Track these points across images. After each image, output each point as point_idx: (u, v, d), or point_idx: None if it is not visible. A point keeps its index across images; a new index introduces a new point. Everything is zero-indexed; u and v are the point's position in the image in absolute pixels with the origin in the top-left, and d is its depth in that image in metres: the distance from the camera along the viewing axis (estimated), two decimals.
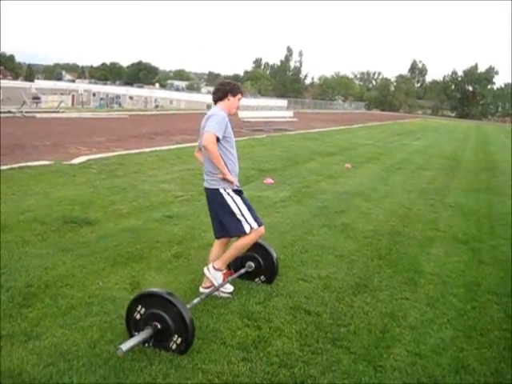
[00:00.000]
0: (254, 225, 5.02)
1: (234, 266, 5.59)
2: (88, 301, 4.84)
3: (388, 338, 4.59)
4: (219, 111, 4.98)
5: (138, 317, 4.07)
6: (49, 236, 6.68)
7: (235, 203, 4.99)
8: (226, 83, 5.16)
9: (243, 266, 5.52)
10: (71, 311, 4.62)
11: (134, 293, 4.71)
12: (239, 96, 5.09)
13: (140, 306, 4.06)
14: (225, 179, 4.93)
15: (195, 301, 4.62)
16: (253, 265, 5.50)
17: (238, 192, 5.09)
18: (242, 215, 4.98)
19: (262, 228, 5.15)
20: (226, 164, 4.94)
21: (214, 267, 5.05)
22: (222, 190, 4.97)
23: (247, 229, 4.99)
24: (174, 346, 3.97)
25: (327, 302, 5.25)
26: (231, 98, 5.04)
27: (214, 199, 5.05)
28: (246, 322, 4.62)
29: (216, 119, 4.87)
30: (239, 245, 5.07)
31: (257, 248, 5.53)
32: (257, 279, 5.53)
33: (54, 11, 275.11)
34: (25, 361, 3.77)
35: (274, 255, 5.55)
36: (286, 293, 5.37)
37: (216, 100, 5.10)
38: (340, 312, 5.03)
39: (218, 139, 4.82)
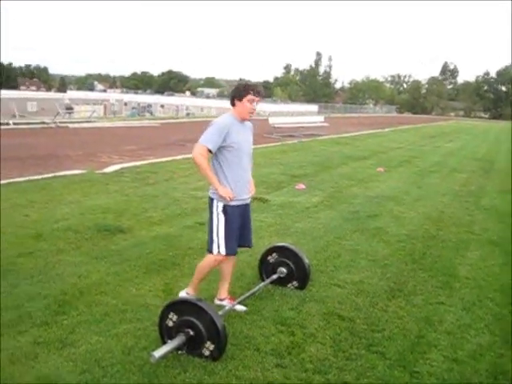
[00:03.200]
0: (222, 250, 4.73)
1: (266, 271, 5.59)
2: (122, 308, 4.87)
3: (424, 343, 4.52)
4: (220, 118, 4.78)
5: (171, 324, 4.08)
6: (82, 244, 6.77)
7: (217, 221, 4.72)
8: (233, 89, 4.90)
9: (275, 272, 5.51)
10: (105, 318, 4.66)
11: (168, 300, 4.73)
12: (248, 97, 4.69)
13: (172, 313, 4.07)
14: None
15: (227, 307, 4.62)
16: (285, 270, 5.48)
17: (234, 208, 4.74)
18: (217, 235, 4.75)
19: (230, 258, 4.91)
20: (226, 176, 4.70)
21: (187, 293, 5.06)
22: (214, 202, 4.73)
23: (214, 250, 4.76)
24: (206, 353, 3.96)
25: (361, 307, 5.20)
26: (237, 103, 4.73)
27: (208, 207, 4.83)
28: (280, 328, 4.60)
29: (211, 129, 4.64)
30: (199, 266, 4.98)
31: (288, 253, 5.52)
32: (289, 285, 5.50)
33: (85, 23, 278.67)
34: (60, 368, 3.82)
35: (306, 260, 5.52)
36: (320, 298, 5.33)
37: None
38: (374, 317, 4.98)
39: (210, 150, 4.62)
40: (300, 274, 5.48)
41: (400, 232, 8.20)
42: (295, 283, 5.49)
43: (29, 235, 7.00)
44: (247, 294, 5.03)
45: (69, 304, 4.91)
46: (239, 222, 4.81)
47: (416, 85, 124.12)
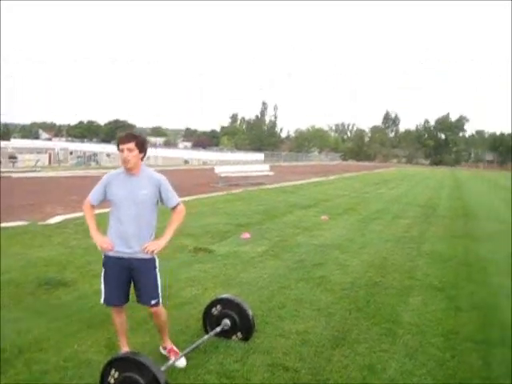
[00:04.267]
0: (101, 300, 4.85)
1: (210, 324, 5.56)
2: (63, 365, 4.77)
3: None
4: (108, 173, 4.84)
5: (112, 381, 4.00)
6: (23, 299, 6.60)
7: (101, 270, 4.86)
8: None
9: (219, 324, 5.48)
10: (45, 377, 4.55)
11: (110, 355, 4.63)
12: (119, 147, 4.59)
13: (114, 370, 4.01)
14: None
15: (170, 362, 4.56)
16: (228, 322, 5.46)
17: (113, 259, 4.75)
18: (100, 285, 4.88)
19: (119, 310, 4.92)
20: (109, 227, 4.75)
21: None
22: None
23: (102, 300, 4.87)
24: None
25: (305, 357, 5.22)
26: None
27: None
28: (224, 381, 4.57)
29: (98, 183, 4.79)
30: None
31: (232, 305, 5.52)
32: (234, 337, 5.48)
33: (29, 70, 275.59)
34: None
35: (250, 312, 5.52)
36: (264, 349, 5.32)
37: None
38: (319, 367, 5.00)
39: (93, 203, 4.79)
40: (244, 326, 5.47)
41: (344, 280, 8.29)
42: (240, 335, 5.47)
43: None
44: (191, 347, 4.98)
45: (7, 362, 4.77)
46: (121, 275, 4.76)
47: (360, 133, 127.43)
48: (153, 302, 4.76)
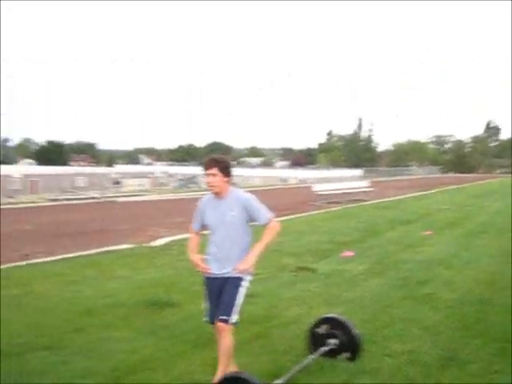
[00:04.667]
0: (205, 318, 5.01)
1: (315, 343, 5.53)
2: None
3: None
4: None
5: None
6: (132, 319, 6.85)
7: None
8: None
9: (324, 344, 5.44)
10: None
11: (214, 374, 4.71)
12: (205, 172, 4.79)
13: None
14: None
15: (278, 382, 4.57)
16: (334, 342, 5.41)
17: (210, 280, 4.91)
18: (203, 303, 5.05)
19: (215, 327, 4.88)
20: (207, 249, 4.92)
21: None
22: None
23: (204, 318, 5.06)
24: None
25: (413, 378, 5.07)
26: None
27: None
28: None
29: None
30: None
31: (337, 324, 5.47)
32: (339, 356, 5.42)
33: (29, 70, 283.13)
34: None
35: (356, 331, 5.45)
36: (371, 370, 5.23)
37: None
38: None
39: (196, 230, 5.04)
40: (350, 346, 5.40)
41: (451, 297, 8.02)
42: (346, 355, 5.40)
43: (80, 311, 7.14)
44: (296, 368, 4.97)
45: (119, 381, 4.95)
46: (212, 295, 4.89)
47: (459, 144, 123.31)
48: (221, 317, 4.73)
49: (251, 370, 4.93)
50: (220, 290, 4.83)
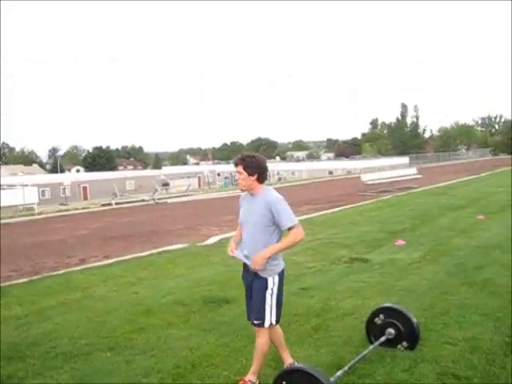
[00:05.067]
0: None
1: (374, 333, 5.53)
2: (234, 379, 4.95)
3: None
4: None
5: None
6: (191, 317, 6.96)
7: None
8: None
9: (383, 334, 5.44)
10: None
11: (278, 368, 4.76)
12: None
13: (285, 383, 4.12)
14: None
15: (339, 373, 4.60)
16: (393, 331, 5.40)
17: (244, 274, 5.06)
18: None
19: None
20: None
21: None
22: None
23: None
24: None
25: (477, 364, 5.01)
26: None
27: None
28: None
29: None
30: None
31: (395, 314, 5.46)
32: (399, 346, 5.40)
33: (29, 70, 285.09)
34: None
35: (414, 320, 5.42)
36: (432, 358, 5.19)
37: None
38: (492, 375, 4.78)
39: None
40: (409, 335, 5.38)
41: (510, 282, 7.87)
42: (405, 344, 5.39)
43: (139, 311, 7.30)
44: (357, 359, 4.98)
45: (182, 377, 5.05)
46: (246, 290, 5.04)
47: (509, 125, 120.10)
48: (255, 321, 4.75)
49: (312, 363, 4.97)
50: (250, 287, 4.89)
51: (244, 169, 4.69)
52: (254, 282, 4.80)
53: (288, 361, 5.02)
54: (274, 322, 4.76)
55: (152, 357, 5.63)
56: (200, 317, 6.97)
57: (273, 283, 4.75)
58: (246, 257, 4.77)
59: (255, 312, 4.76)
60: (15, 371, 5.40)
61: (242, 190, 4.86)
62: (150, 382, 5.00)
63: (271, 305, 4.74)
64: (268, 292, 4.73)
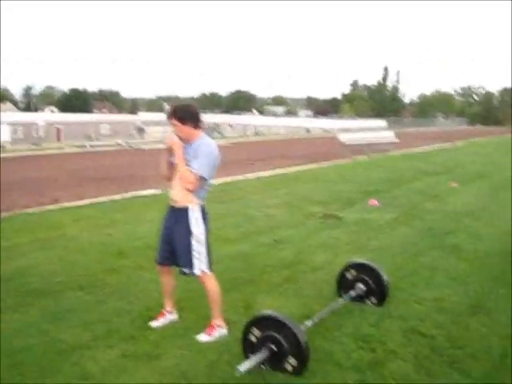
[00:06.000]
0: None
1: (344, 288, 5.61)
2: (203, 324, 4.98)
3: (510, 362, 4.42)
4: None
5: (253, 339, 4.17)
6: None
7: None
8: None
9: (353, 288, 5.52)
10: (188, 333, 4.80)
11: (248, 316, 4.81)
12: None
13: (255, 329, 4.16)
14: None
15: (308, 323, 4.67)
16: (363, 287, 5.49)
17: (166, 216, 5.09)
18: None
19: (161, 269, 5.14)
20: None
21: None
22: None
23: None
24: (289, 368, 4.02)
25: (442, 324, 5.14)
26: None
27: None
28: (360, 345, 4.61)
29: None
30: None
31: (366, 270, 5.54)
32: (368, 301, 5.50)
33: (29, 70, 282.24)
34: (148, 380, 3.97)
35: (385, 277, 5.51)
36: (399, 315, 5.30)
37: None
38: (456, 335, 4.90)
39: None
40: (378, 291, 5.47)
41: (478, 248, 8.01)
42: (374, 300, 5.48)
43: (112, 252, 7.30)
44: (326, 311, 5.06)
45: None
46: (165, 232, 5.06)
47: (488, 96, 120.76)
48: (185, 269, 4.86)
49: (282, 312, 5.02)
50: (169, 230, 4.93)
51: (177, 119, 4.70)
52: (176, 225, 4.85)
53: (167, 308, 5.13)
54: (206, 270, 4.84)
55: (123, 298, 5.66)
56: None
57: (198, 227, 4.83)
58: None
59: (185, 262, 4.85)
60: None
61: (183, 142, 4.77)
62: (121, 322, 5.02)
63: (201, 250, 4.84)
64: (193, 238, 4.81)
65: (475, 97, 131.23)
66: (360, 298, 5.51)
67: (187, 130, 4.74)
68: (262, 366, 4.07)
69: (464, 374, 4.18)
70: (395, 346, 4.61)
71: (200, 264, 4.81)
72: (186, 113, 4.76)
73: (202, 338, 4.74)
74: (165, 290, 5.20)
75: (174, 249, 4.91)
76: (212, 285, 4.87)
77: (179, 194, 4.77)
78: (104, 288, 5.93)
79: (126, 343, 4.58)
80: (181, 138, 4.76)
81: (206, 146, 4.76)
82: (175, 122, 4.71)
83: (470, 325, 5.15)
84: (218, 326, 4.84)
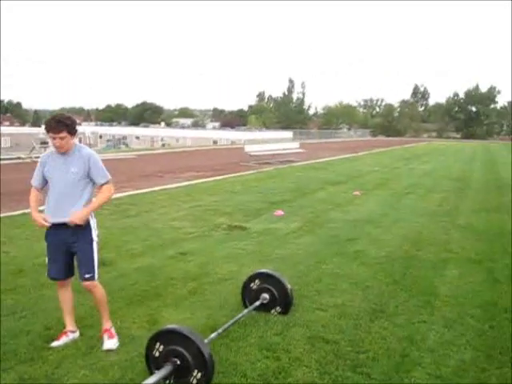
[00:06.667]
0: (49, 275, 5.01)
1: (249, 298, 5.63)
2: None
3: (408, 362, 4.59)
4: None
5: (157, 354, 4.10)
6: None
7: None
8: None
9: (258, 299, 5.55)
10: (92, 351, 4.67)
11: (152, 331, 4.73)
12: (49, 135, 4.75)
13: (158, 344, 4.10)
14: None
15: (213, 335, 4.65)
16: (267, 296, 5.53)
17: (49, 234, 4.88)
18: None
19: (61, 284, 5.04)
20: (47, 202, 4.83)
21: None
22: None
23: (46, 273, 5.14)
24: (194, 382, 3.98)
25: (344, 329, 5.26)
26: None
27: None
28: (266, 354, 4.64)
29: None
30: None
31: (270, 279, 5.59)
32: (273, 310, 5.55)
33: (57, 57, 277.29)
34: None
35: (288, 286, 5.59)
36: (303, 322, 5.38)
37: None
38: (358, 339, 5.04)
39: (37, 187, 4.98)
40: (283, 300, 5.54)
41: (379, 254, 8.29)
42: (278, 309, 5.54)
43: (10, 271, 6.98)
44: (231, 322, 5.06)
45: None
46: (59, 248, 4.84)
47: (389, 108, 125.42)
48: (87, 276, 4.82)
49: (187, 326, 4.98)
50: (64, 244, 4.79)
51: (68, 132, 4.64)
52: (78, 238, 4.76)
53: (69, 328, 5.03)
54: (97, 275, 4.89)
55: (21, 318, 5.42)
56: (74, 278, 6.75)
57: (96, 235, 4.86)
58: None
59: (85, 266, 4.80)
60: None
61: (59, 152, 4.73)
62: (18, 343, 4.81)
63: (98, 257, 4.88)
64: (94, 244, 4.83)
65: (377, 108, 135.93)
66: (265, 308, 5.55)
67: (72, 141, 4.72)
68: (166, 381, 4.01)
69: (366, 376, 4.31)
70: (300, 354, 4.67)
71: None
72: (73, 123, 4.74)
73: (109, 344, 4.74)
74: (64, 307, 5.07)
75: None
76: (101, 289, 4.96)
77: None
78: (0, 309, 5.64)
79: (23, 365, 4.38)
80: (57, 148, 4.70)
81: (85, 150, 4.85)
82: (65, 134, 4.62)
83: (371, 328, 5.31)
84: (112, 326, 4.96)
